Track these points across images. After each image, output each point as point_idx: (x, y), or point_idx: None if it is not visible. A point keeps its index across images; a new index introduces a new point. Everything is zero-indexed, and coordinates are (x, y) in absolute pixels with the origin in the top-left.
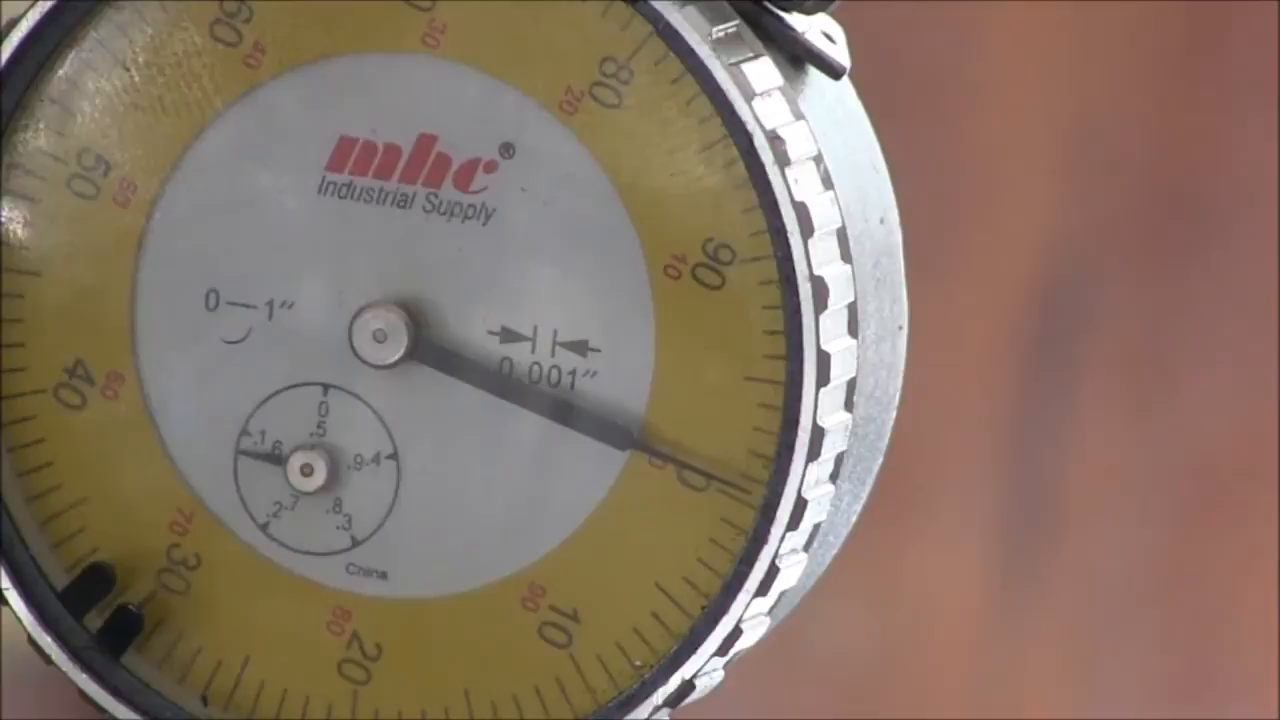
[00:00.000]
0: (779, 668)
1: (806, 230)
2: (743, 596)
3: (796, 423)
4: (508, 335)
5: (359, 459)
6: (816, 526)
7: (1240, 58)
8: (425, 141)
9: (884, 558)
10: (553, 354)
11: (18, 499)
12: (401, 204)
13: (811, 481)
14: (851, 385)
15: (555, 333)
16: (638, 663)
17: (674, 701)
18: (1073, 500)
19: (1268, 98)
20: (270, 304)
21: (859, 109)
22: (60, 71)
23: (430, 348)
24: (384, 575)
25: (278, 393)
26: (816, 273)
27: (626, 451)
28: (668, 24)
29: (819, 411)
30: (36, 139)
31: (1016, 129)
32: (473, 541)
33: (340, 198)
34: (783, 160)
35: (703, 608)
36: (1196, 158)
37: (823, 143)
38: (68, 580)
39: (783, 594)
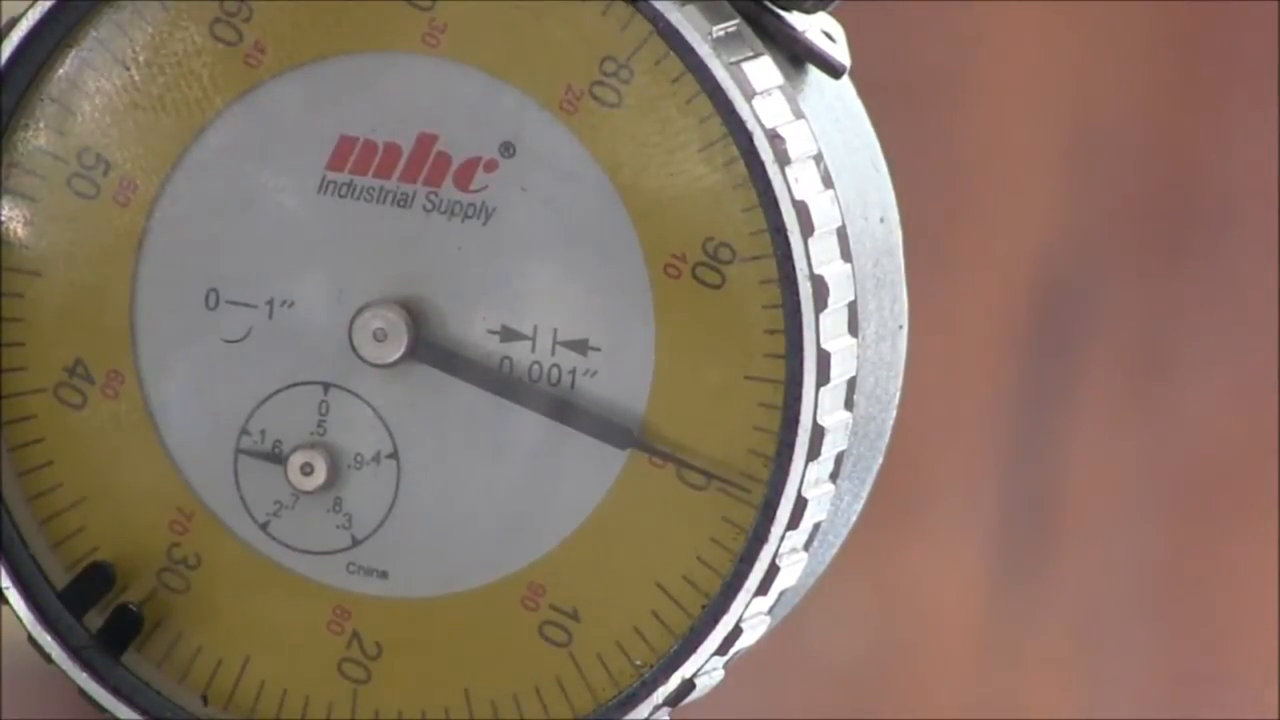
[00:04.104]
0: (779, 668)
1: (806, 229)
2: (743, 596)
3: (797, 422)
4: (508, 334)
5: (359, 458)
6: (816, 526)
7: (1241, 57)
8: (425, 141)
9: (884, 558)
10: (553, 353)
11: (18, 498)
12: (402, 203)
13: (811, 480)
14: (852, 384)
15: (555, 332)
16: (638, 662)
17: (674, 700)
18: (1072, 500)
19: (1268, 97)
20: (270, 303)
21: (859, 107)
22: (60, 70)
23: (430, 347)
24: (384, 574)
25: (278, 392)
26: (816, 271)
27: (626, 451)
28: (668, 23)
29: (819, 410)
30: (37, 138)
31: (1016, 128)
32: (473, 541)
33: (340, 197)
34: (783, 159)
35: (703, 607)
36: (1197, 157)
37: (823, 142)
38: (68, 579)
39: (783, 593)
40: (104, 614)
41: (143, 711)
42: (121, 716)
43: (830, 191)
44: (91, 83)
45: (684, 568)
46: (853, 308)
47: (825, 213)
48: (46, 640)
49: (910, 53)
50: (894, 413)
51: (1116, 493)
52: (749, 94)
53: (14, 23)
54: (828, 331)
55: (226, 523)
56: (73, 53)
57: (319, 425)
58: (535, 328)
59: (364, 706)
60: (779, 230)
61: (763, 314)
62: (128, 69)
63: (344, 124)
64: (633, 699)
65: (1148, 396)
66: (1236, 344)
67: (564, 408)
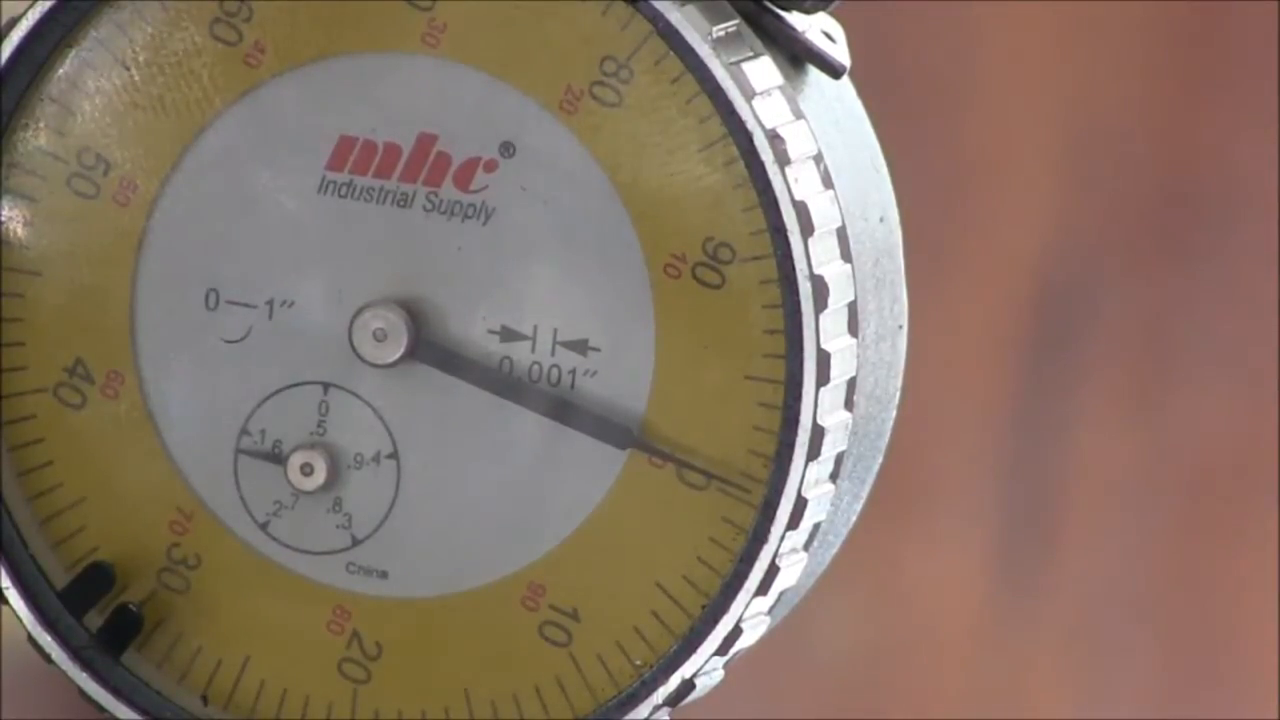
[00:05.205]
0: (779, 668)
1: (806, 229)
2: (743, 596)
3: (796, 422)
4: (508, 334)
5: (359, 458)
6: (816, 526)
7: (1241, 58)
8: (425, 141)
9: (884, 558)
10: (553, 353)
11: (18, 498)
12: (401, 203)
13: (811, 481)
14: (851, 384)
15: (555, 332)
16: (638, 662)
17: (674, 700)
18: (1073, 499)
19: (1268, 98)
20: (270, 303)
21: (859, 108)
22: (60, 70)
23: (430, 347)
24: (384, 574)
25: (278, 392)
26: (816, 271)
27: (626, 450)
28: (668, 23)
29: (819, 410)
30: (37, 138)
31: (1017, 129)
32: (473, 541)
33: (340, 197)
34: (782, 159)
35: (703, 607)
36: (1196, 158)
37: (823, 142)
38: (68, 579)
39: (782, 593)
40: (104, 614)
41: (143, 711)
42: (121, 716)
43: (830, 191)
44: (91, 83)
45: (684, 568)
46: (853, 308)
47: (825, 213)
48: (46, 640)
49: (910, 53)
50: (894, 413)
51: (1117, 493)
52: (749, 94)
53: (14, 23)
54: (828, 331)
55: (226, 523)
56: (73, 53)
57: (319, 425)
58: (535, 328)
59: (364, 706)
60: (779, 230)
61: (763, 314)
62: (128, 69)
63: (344, 124)
64: (633, 699)
65: (1148, 397)
66: (1237, 344)
67: (564, 408)
